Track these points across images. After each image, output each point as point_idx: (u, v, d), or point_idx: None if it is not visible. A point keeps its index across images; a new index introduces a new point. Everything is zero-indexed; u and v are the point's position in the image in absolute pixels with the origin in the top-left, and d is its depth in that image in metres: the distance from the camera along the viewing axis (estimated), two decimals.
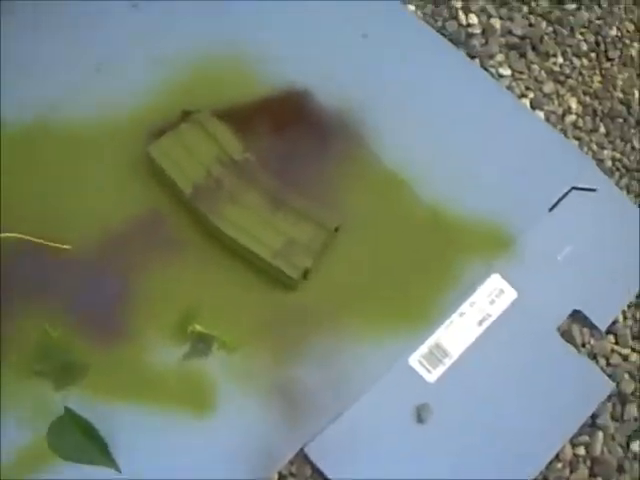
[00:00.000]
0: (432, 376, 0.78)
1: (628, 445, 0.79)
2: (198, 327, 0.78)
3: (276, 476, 0.74)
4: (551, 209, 0.85)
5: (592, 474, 0.78)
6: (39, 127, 0.85)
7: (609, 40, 0.95)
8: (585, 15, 0.96)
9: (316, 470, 0.75)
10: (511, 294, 0.81)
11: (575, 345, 0.81)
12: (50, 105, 0.86)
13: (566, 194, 0.86)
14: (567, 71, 0.93)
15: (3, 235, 0.78)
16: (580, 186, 0.86)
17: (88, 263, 0.80)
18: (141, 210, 0.82)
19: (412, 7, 0.93)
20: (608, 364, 0.82)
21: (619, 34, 0.96)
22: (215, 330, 0.78)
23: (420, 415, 0.77)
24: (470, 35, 0.93)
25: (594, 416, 0.79)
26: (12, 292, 0.78)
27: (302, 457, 0.75)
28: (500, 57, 0.92)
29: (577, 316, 0.82)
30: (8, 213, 0.80)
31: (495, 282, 0.82)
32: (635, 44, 0.96)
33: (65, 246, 0.80)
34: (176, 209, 0.82)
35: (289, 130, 0.86)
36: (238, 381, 0.76)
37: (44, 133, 0.84)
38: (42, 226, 0.80)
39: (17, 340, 0.76)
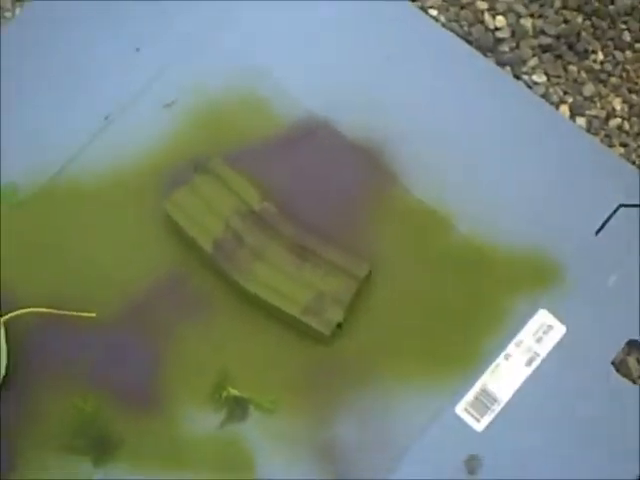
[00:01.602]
0: (480, 425, 0.77)
1: None
2: (233, 391, 0.78)
3: None
4: (597, 232, 0.82)
5: None
6: (51, 189, 0.85)
7: None
8: (627, 1, 0.91)
9: None
10: (560, 329, 0.79)
11: (632, 378, 0.79)
12: (64, 162, 0.85)
13: (613, 213, 0.83)
14: (609, 68, 0.89)
15: (22, 311, 0.79)
16: (628, 202, 0.82)
17: (113, 331, 0.80)
18: (163, 270, 0.82)
19: (434, 12, 0.89)
20: None
21: None
22: (250, 392, 0.78)
23: (470, 468, 0.76)
24: (499, 40, 0.89)
25: None
26: (40, 369, 0.79)
27: None
28: (533, 62, 0.88)
29: (633, 346, 0.80)
30: (25, 285, 0.81)
31: (542, 318, 0.79)
32: None
33: (89, 314, 0.80)
34: (198, 267, 0.81)
35: (310, 167, 0.84)
36: (279, 445, 0.76)
37: (56, 195, 0.84)
38: (62, 295, 0.81)
39: (50, 418, 0.77)
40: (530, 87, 0.87)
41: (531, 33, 0.88)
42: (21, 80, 0.89)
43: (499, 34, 0.88)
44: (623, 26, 0.90)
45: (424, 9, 0.90)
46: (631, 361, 0.79)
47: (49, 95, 0.89)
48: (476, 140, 0.85)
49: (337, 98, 0.86)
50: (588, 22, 0.90)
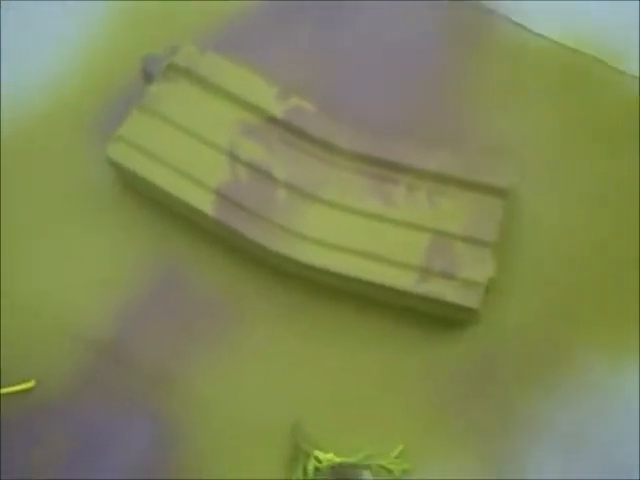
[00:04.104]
0: None
1: None
2: (325, 457, 0.42)
3: None
4: None
5: None
6: None
7: None
8: None
9: None
10: None
11: None
12: None
13: None
14: None
15: None
16: None
17: (76, 405, 0.44)
18: (130, 275, 0.46)
19: None
20: None
21: None
22: (357, 452, 0.43)
23: None
24: None
25: None
26: None
27: None
28: None
29: None
30: None
31: None
32: None
33: (25, 385, 0.44)
34: (196, 249, 0.46)
35: (348, 30, 0.49)
36: None
37: None
38: None
39: None
40: None
41: None
42: None
43: None
44: None
45: None
46: None
47: None
48: None
49: None
50: None
